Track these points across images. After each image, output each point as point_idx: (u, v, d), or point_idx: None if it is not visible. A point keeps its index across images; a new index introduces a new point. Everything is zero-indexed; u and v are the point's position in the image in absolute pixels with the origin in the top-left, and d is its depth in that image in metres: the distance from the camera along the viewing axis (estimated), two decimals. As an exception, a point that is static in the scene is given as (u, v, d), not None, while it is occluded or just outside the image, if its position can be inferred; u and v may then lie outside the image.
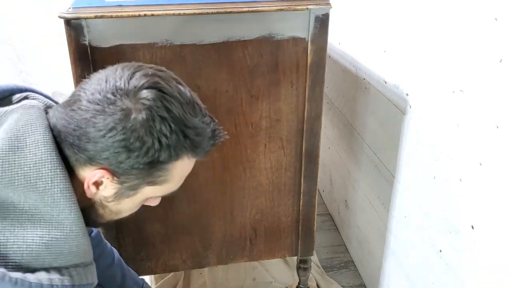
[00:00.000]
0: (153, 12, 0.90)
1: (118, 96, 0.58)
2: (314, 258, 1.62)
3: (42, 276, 0.56)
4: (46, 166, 0.57)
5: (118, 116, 0.58)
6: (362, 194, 1.52)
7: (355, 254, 1.65)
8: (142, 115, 0.58)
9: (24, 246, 0.56)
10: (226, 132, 0.70)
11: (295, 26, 0.96)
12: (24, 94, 0.68)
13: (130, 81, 0.60)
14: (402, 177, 1.20)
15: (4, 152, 0.57)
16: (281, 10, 0.94)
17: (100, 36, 0.91)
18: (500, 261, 0.82)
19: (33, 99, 0.68)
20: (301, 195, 1.15)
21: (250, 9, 0.93)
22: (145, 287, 1.06)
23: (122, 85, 0.59)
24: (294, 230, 1.20)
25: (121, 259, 1.02)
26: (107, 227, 1.09)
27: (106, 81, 0.60)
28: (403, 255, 1.24)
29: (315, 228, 1.21)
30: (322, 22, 0.96)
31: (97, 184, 0.62)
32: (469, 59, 0.87)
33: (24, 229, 0.56)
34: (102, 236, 0.98)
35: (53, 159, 0.58)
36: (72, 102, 0.61)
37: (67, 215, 0.58)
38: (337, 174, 1.80)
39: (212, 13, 0.91)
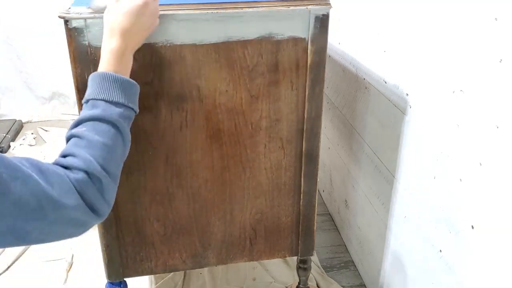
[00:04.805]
0: (153, 12, 0.90)
1: None
2: (314, 258, 1.62)
3: None
4: None
5: None
6: (362, 194, 1.52)
7: (355, 254, 1.65)
8: None
9: None
10: None
11: (295, 26, 0.96)
12: None
13: None
14: (402, 177, 1.20)
15: None
16: (281, 10, 0.94)
17: (100, 36, 0.91)
18: (500, 261, 0.82)
19: None
20: (301, 195, 1.15)
21: (250, 9, 0.93)
22: None
23: None
24: (294, 230, 1.20)
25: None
26: (107, 227, 1.09)
27: None
28: (403, 255, 1.24)
29: (315, 228, 1.21)
30: (322, 22, 0.96)
31: None
32: (469, 59, 0.87)
33: None
34: None
35: None
36: None
37: None
38: (337, 174, 1.80)
39: (212, 13, 0.91)
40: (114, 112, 0.79)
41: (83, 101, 0.81)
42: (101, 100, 0.78)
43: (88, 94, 0.80)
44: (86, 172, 0.72)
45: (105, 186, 0.75)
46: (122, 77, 0.81)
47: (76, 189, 0.70)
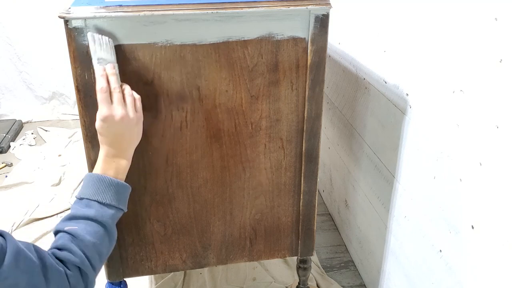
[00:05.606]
0: (153, 12, 0.90)
1: None
2: (314, 258, 1.62)
3: None
4: None
5: None
6: (362, 194, 1.52)
7: (355, 254, 1.65)
8: None
9: None
10: None
11: (295, 26, 0.96)
12: None
13: None
14: (402, 177, 1.20)
15: None
16: (281, 10, 0.94)
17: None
18: (500, 261, 0.82)
19: None
20: (301, 195, 1.15)
21: (250, 9, 0.93)
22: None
23: None
24: (294, 230, 1.20)
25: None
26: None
27: None
28: (403, 255, 1.24)
29: (315, 228, 1.21)
30: (322, 22, 0.96)
31: None
32: (469, 59, 0.87)
33: None
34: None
35: None
36: None
37: None
38: (337, 174, 1.80)
39: (212, 13, 0.91)
40: (105, 214, 0.86)
41: (77, 196, 0.87)
42: (95, 201, 0.86)
43: (83, 192, 0.87)
44: (79, 269, 0.81)
45: (90, 281, 0.84)
46: (118, 181, 0.89)
47: (69, 285, 0.79)
